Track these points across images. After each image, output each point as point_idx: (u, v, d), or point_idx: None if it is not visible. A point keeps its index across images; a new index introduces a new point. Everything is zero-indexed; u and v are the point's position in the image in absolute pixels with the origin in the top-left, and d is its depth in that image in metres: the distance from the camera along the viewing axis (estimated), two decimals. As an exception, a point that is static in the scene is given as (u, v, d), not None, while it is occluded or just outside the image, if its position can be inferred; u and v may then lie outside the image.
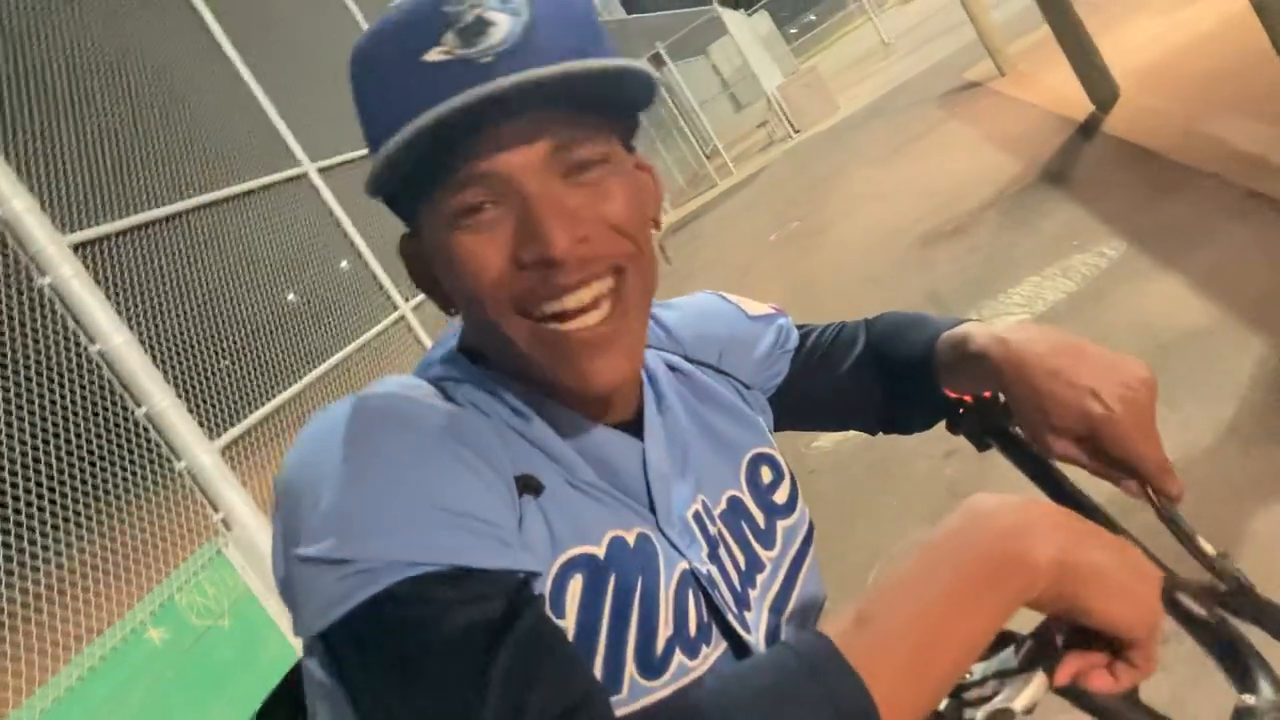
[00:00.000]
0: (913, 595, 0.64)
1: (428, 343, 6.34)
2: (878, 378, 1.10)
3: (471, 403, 0.82)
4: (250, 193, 5.57)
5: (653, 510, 0.86)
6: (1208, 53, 6.54)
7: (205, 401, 4.52)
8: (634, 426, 0.89)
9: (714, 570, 0.87)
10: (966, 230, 6.36)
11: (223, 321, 5.01)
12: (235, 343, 4.99)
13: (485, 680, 0.62)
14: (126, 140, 4.76)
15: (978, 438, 1.02)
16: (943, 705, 0.67)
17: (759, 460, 0.99)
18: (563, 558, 0.77)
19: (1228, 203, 4.37)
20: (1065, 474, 0.94)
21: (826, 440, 4.47)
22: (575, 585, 0.77)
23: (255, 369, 5.00)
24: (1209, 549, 0.79)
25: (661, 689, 0.79)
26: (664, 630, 0.80)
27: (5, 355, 3.86)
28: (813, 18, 72.92)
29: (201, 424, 4.37)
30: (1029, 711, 0.66)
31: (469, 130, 0.72)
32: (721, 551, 0.89)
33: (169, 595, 3.93)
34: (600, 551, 0.79)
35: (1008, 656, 0.68)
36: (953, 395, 1.04)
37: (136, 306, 4.41)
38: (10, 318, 3.90)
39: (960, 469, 3.50)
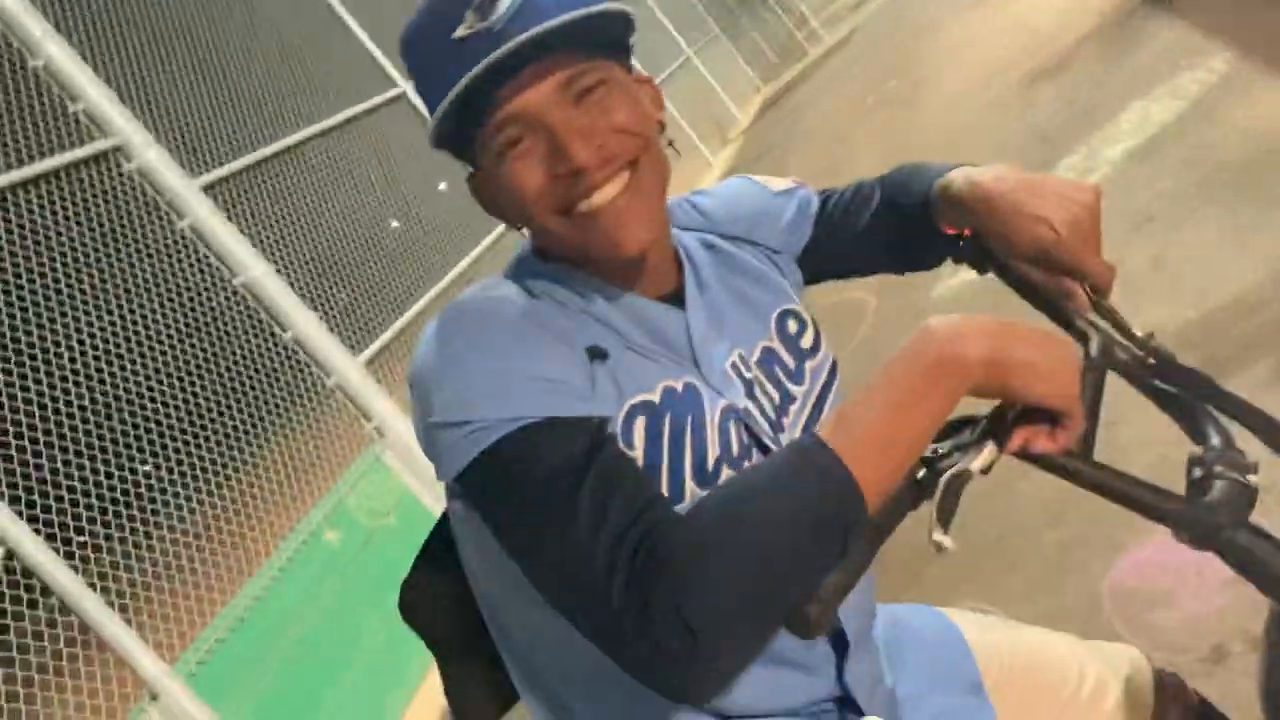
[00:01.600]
0: (878, 398, 0.83)
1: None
2: (892, 225, 1.27)
3: (545, 292, 1.04)
4: (353, 119, 5.77)
5: (696, 365, 1.06)
6: None
7: (345, 321, 4.79)
8: (676, 299, 1.10)
9: (750, 406, 1.07)
10: (1069, 64, 6.20)
11: (350, 244, 5.25)
12: (364, 264, 5.25)
13: (578, 496, 0.83)
14: (234, 81, 4.99)
15: (977, 264, 1.16)
16: (919, 474, 0.84)
17: (786, 315, 1.19)
18: (628, 404, 0.99)
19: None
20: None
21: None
22: (639, 425, 0.99)
23: (385, 286, 5.25)
24: (1139, 333, 0.98)
25: None
26: (712, 452, 1.01)
27: (161, 298, 4.16)
28: None
29: (344, 342, 4.65)
30: (985, 472, 0.83)
31: (496, 83, 0.94)
32: (757, 391, 1.09)
33: (340, 499, 4.25)
34: (656, 398, 1.01)
35: (966, 434, 0.86)
36: (952, 231, 1.19)
37: (268, 238, 4.67)
38: (159, 260, 4.20)
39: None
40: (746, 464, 1.03)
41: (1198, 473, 0.85)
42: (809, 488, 0.80)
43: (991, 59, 7.81)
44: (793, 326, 1.18)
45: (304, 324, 4.48)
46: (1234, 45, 4.58)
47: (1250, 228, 3.24)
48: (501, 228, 6.38)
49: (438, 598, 1.14)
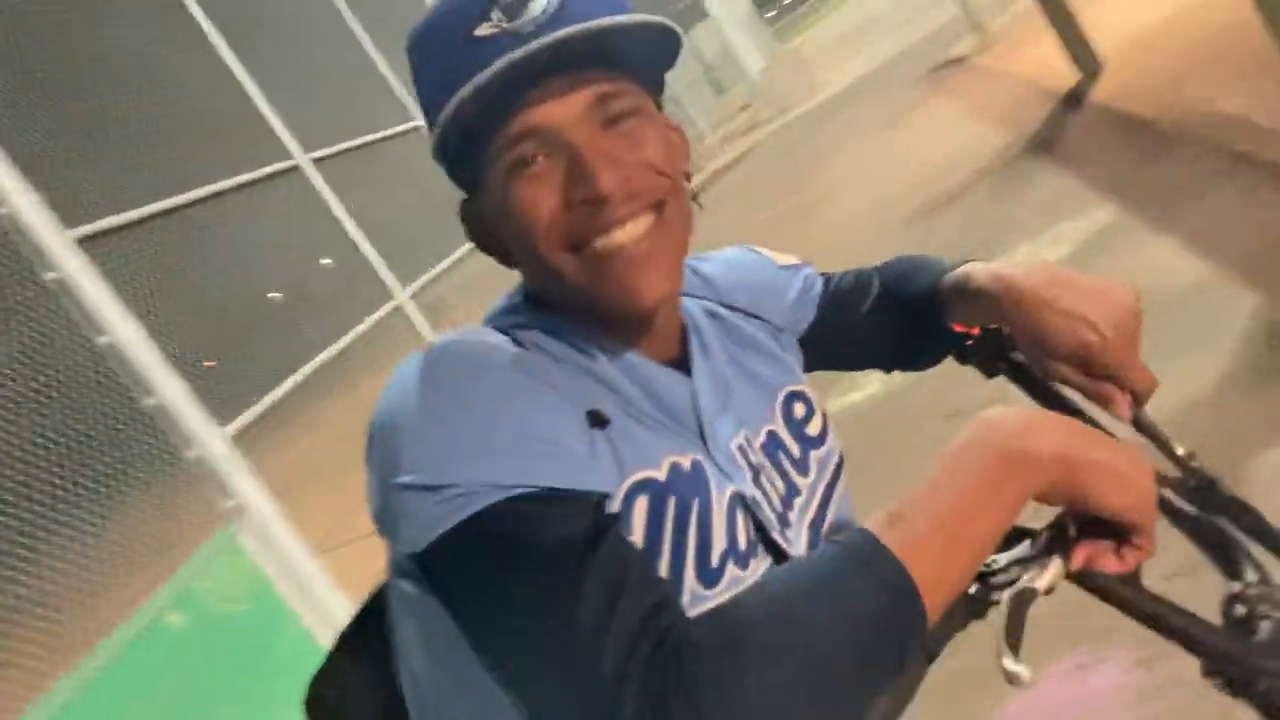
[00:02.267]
0: (939, 494, 0.72)
1: (425, 330, 6.39)
2: (891, 318, 1.19)
3: (538, 345, 0.91)
4: (246, 185, 5.60)
5: (702, 439, 0.95)
6: (1190, 21, 6.60)
7: (217, 391, 4.56)
8: (681, 365, 0.98)
9: (758, 494, 0.96)
10: (957, 203, 6.43)
11: (230, 312, 5.05)
12: (243, 333, 5.04)
13: (580, 589, 0.69)
14: (130, 135, 4.80)
15: (986, 366, 1.10)
16: (972, 589, 0.75)
17: (793, 397, 1.08)
18: (629, 481, 0.86)
19: (1215, 165, 4.44)
20: (1067, 394, 1.02)
21: (832, 406, 4.54)
22: (641, 506, 0.86)
23: (263, 358, 5.05)
24: (1179, 450, 0.90)
25: (717, 597, 0.88)
26: (718, 544, 0.89)
27: (10, 350, 3.89)
28: (791, -1, 72.83)
29: (212, 413, 4.41)
30: (1049, 591, 0.73)
31: (518, 90, 0.83)
32: (763, 478, 0.98)
33: (187, 582, 3.98)
34: (661, 475, 0.88)
35: (1026, 548, 0.77)
36: (959, 329, 1.12)
37: (141, 298, 4.44)
38: (15, 313, 3.93)
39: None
40: (753, 561, 0.92)
41: (1240, 610, 0.78)
42: (864, 595, 0.68)
43: (883, 190, 8.06)
44: (799, 410, 1.08)
45: (168, 391, 4.23)
46: (1117, 198, 4.80)
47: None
48: (387, 308, 6.23)
49: (360, 697, 0.97)
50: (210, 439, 4.31)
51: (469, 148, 0.87)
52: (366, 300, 6.08)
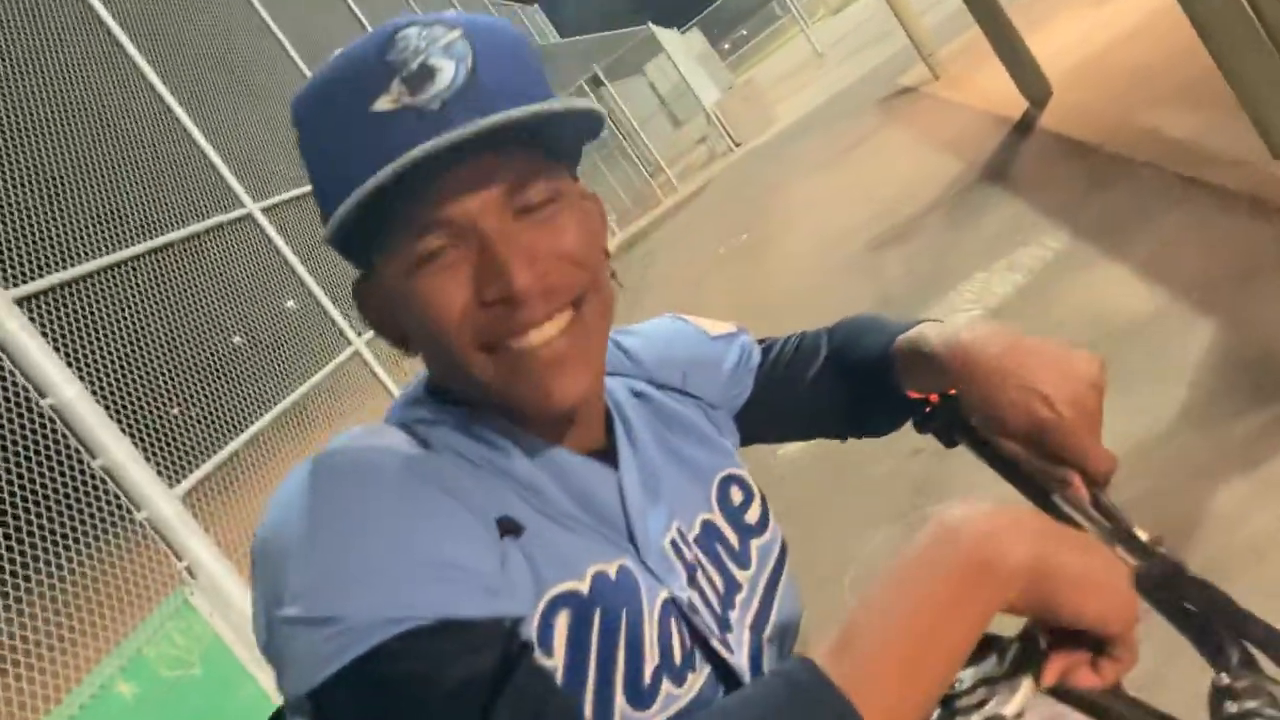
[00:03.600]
0: (893, 612, 0.64)
1: (383, 376, 6.31)
2: (841, 384, 1.11)
3: (444, 443, 0.83)
4: (194, 236, 5.52)
5: (631, 540, 0.87)
6: (1135, 46, 6.69)
7: (162, 449, 4.46)
8: (605, 455, 0.90)
9: (694, 596, 0.88)
10: (912, 233, 6.45)
11: (175, 367, 4.95)
12: (189, 388, 4.94)
13: None
14: (69, 189, 4.71)
15: (944, 435, 1.03)
16: (935, 716, 0.67)
17: (729, 481, 1.01)
18: (548, 595, 0.78)
19: (1164, 190, 4.47)
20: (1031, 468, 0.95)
21: (792, 446, 4.50)
22: (562, 622, 0.78)
23: (211, 413, 4.95)
24: (1144, 535, 0.82)
25: (653, 718, 0.81)
26: (650, 661, 0.81)
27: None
28: (744, 32, 73.52)
29: (160, 472, 4.31)
30: (1019, 717, 0.66)
31: (425, 178, 0.74)
32: (699, 576, 0.90)
33: (137, 648, 3.86)
34: (584, 587, 0.80)
35: (993, 662, 0.69)
36: (916, 395, 1.05)
37: (86, 357, 4.34)
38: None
39: (925, 466, 3.55)
40: (690, 675, 0.84)
41: (1231, 708, 0.71)
42: None
43: (837, 221, 8.09)
44: (736, 496, 1.00)
45: (116, 451, 4.13)
46: (1068, 225, 4.83)
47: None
48: (345, 354, 6.15)
49: None
50: (160, 499, 4.21)
51: (364, 231, 0.78)
52: (322, 348, 6.00)
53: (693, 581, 0.89)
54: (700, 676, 0.85)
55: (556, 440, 0.87)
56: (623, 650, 0.80)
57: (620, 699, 0.79)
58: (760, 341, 1.19)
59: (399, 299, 0.81)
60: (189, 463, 4.57)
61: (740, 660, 0.89)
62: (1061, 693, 0.69)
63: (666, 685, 0.82)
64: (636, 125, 21.25)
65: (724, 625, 0.89)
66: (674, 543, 0.90)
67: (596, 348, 0.85)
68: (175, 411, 4.92)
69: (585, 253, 0.82)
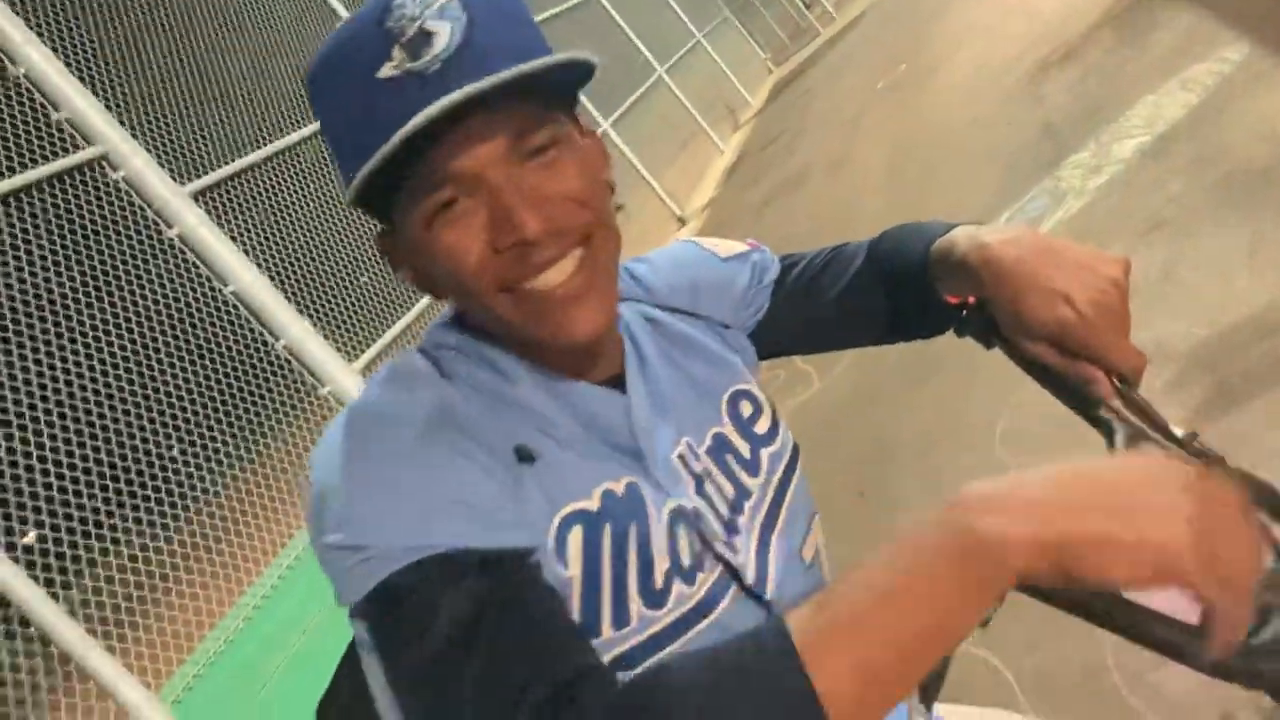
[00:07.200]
0: (868, 584, 0.64)
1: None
2: (881, 291, 1.14)
3: (464, 375, 0.91)
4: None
5: (640, 457, 0.93)
6: None
7: (340, 328, 4.72)
8: (618, 382, 0.97)
9: (701, 504, 0.94)
10: (1077, 54, 6.06)
11: (345, 249, 5.17)
12: (359, 269, 5.17)
13: (474, 651, 0.69)
14: (221, 82, 4.90)
15: (982, 338, 1.03)
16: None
17: (738, 396, 1.07)
18: (560, 515, 0.86)
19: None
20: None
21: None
22: (575, 537, 0.86)
23: (381, 291, 5.18)
24: (1179, 432, 0.80)
25: (666, 616, 0.89)
26: (660, 565, 0.89)
27: (151, 308, 4.09)
28: None
29: (339, 349, 4.57)
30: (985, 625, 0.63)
31: (432, 136, 0.79)
32: (708, 485, 0.97)
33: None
34: (594, 505, 0.88)
35: None
36: (954, 300, 1.06)
37: (259, 245, 4.60)
38: (148, 270, 4.12)
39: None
40: (700, 575, 0.91)
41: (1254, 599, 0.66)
42: (757, 704, 0.62)
43: (1000, 46, 7.65)
44: (746, 409, 1.06)
45: (297, 332, 4.40)
46: (1248, 35, 4.44)
47: (1270, 238, 3.08)
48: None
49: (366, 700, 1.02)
50: (341, 374, 4.47)
51: (381, 189, 0.84)
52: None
53: (701, 490, 0.96)
54: (710, 576, 0.93)
55: (578, 371, 0.94)
56: (634, 558, 0.88)
57: (636, 601, 0.87)
58: (785, 258, 1.22)
59: (421, 250, 0.87)
60: (364, 340, 4.83)
61: (746, 559, 0.95)
62: (1048, 594, 0.65)
63: (678, 586, 0.90)
64: (788, -44, 20.38)
65: (731, 529, 0.96)
66: (682, 456, 0.97)
67: (608, 280, 0.90)
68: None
69: (589, 192, 0.87)
